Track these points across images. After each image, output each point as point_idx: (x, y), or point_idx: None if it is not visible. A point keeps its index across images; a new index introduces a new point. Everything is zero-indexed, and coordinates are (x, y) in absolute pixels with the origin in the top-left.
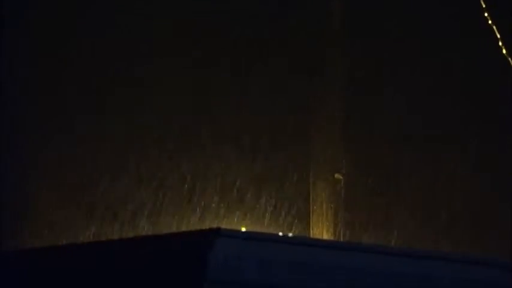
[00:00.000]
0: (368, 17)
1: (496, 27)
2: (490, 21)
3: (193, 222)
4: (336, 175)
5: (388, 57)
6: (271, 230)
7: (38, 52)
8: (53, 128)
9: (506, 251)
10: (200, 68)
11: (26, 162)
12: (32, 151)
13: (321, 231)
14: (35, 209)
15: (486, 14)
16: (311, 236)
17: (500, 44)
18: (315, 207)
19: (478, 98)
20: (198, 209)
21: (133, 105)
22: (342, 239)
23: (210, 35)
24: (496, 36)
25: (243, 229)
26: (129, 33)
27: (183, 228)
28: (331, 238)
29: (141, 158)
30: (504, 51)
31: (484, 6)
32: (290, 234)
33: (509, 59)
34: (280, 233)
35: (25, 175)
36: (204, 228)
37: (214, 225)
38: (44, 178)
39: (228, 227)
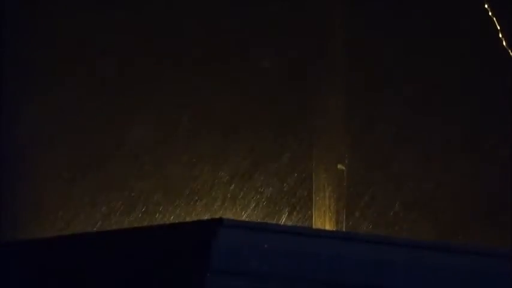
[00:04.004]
0: (368, 17)
1: (496, 19)
2: (490, 13)
3: (195, 213)
4: (339, 165)
5: (389, 53)
6: (273, 221)
7: (38, 51)
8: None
9: (507, 241)
10: (200, 66)
11: (27, 157)
12: (33, 148)
13: (323, 221)
14: (36, 203)
15: (486, 6)
16: (313, 226)
17: (500, 35)
18: (317, 197)
19: (477, 91)
20: (200, 200)
21: (134, 104)
22: (344, 230)
23: (209, 34)
24: (496, 27)
25: (246, 219)
26: (130, 33)
27: (186, 219)
28: (334, 228)
29: (142, 155)
30: (504, 43)
31: None
32: (293, 225)
33: (509, 50)
34: (283, 223)
35: (27, 170)
36: (206, 218)
37: (216, 216)
38: (46, 174)
39: (231, 217)
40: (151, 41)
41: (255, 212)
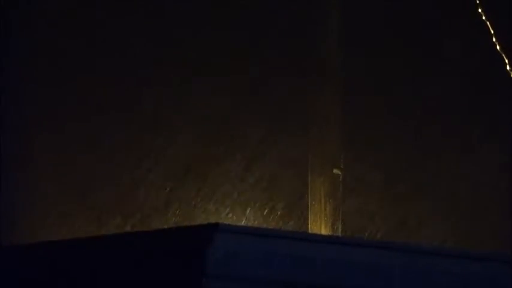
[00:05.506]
0: (367, 17)
1: (490, 23)
2: (483, 17)
3: (191, 218)
4: (335, 170)
5: (388, 56)
6: (269, 225)
7: (38, 52)
8: (53, 127)
9: (506, 246)
10: (200, 67)
11: (26, 157)
12: (33, 148)
13: (319, 226)
14: (34, 206)
15: (480, 10)
16: (309, 231)
17: (494, 40)
18: (313, 202)
19: (475, 93)
20: (197, 205)
21: (134, 105)
22: (340, 234)
23: (208, 34)
24: (490, 32)
25: (242, 224)
26: (130, 35)
27: (184, 224)
28: (330, 233)
29: (142, 156)
30: (498, 47)
31: (478, 1)
32: (288, 229)
33: (503, 55)
34: (279, 228)
35: (26, 170)
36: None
37: (212, 221)
38: (45, 176)
39: (226, 222)
40: (155, 46)
41: (250, 216)
